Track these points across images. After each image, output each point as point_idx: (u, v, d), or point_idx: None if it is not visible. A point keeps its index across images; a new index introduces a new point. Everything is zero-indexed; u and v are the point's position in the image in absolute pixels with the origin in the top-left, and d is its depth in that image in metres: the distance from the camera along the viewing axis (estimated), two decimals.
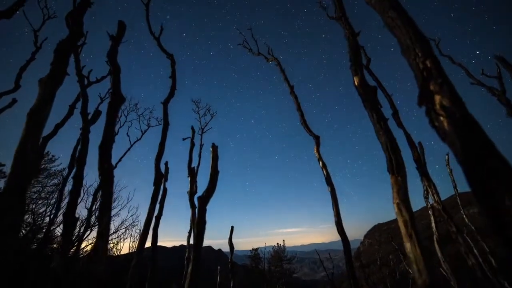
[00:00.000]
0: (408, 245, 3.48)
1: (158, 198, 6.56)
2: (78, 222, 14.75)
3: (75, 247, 12.66)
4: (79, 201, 15.64)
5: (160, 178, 6.61)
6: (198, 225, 3.45)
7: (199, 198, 3.60)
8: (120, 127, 15.53)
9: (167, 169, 8.66)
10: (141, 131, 15.33)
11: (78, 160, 5.87)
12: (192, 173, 7.97)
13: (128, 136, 15.18)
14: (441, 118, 2.09)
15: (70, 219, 4.70)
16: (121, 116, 15.46)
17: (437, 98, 2.18)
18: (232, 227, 10.62)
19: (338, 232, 6.75)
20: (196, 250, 3.27)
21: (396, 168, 3.83)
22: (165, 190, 8.13)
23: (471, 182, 1.75)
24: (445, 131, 2.05)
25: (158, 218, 7.54)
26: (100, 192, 13.88)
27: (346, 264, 6.25)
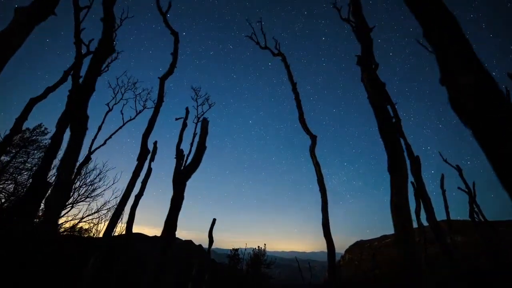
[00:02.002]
0: (402, 251, 3.20)
1: (139, 175, 6.20)
2: None
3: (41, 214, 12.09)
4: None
5: (145, 154, 6.25)
6: (174, 200, 3.12)
7: (181, 171, 3.28)
8: (116, 103, 15.09)
9: (155, 149, 8.29)
10: (136, 111, 14.87)
11: (59, 122, 5.48)
12: (180, 155, 7.60)
13: (122, 114, 14.72)
14: (465, 97, 1.82)
15: (39, 180, 4.30)
16: (117, 92, 15.04)
17: (463, 76, 1.91)
18: (214, 220, 10.28)
19: (324, 234, 6.45)
20: (168, 226, 2.95)
21: (397, 168, 3.57)
22: (149, 169, 7.76)
23: (498, 166, 1.47)
24: (469, 111, 1.77)
25: (138, 197, 7.16)
26: (81, 166, 13.22)
27: (328, 268, 5.95)
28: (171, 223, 3.05)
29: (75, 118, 2.73)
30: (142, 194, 7.29)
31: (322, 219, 6.64)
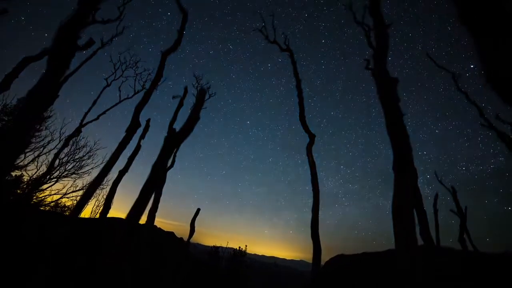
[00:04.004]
0: (403, 260, 2.88)
1: (126, 147, 5.83)
2: (39, 165, 13.60)
3: (27, 189, 11.60)
4: (53, 147, 14.40)
5: (135, 126, 5.90)
6: (154, 167, 2.79)
7: (166, 137, 2.98)
8: (114, 80, 14.70)
9: (147, 126, 7.92)
10: (134, 90, 14.47)
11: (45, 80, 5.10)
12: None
13: (120, 91, 14.33)
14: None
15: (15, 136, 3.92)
16: (118, 68, 14.63)
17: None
18: (198, 209, 9.94)
19: (312, 235, 6.15)
20: (143, 194, 2.62)
21: (404, 166, 3.28)
22: (139, 146, 7.40)
23: None
24: None
25: (122, 173, 6.79)
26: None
27: (312, 272, 5.65)
28: (148, 187, 2.72)
29: (56, 45, 2.39)
30: (126, 171, 6.92)
31: (312, 219, 6.33)
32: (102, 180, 5.42)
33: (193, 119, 3.13)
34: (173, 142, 3.03)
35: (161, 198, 8.05)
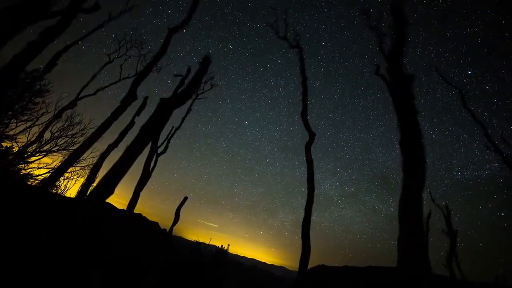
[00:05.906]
0: (406, 262, 2.63)
1: (117, 118, 5.52)
2: (30, 136, 13.10)
3: (11, 156, 11.13)
4: (46, 119, 13.89)
5: (131, 99, 5.59)
6: (144, 128, 2.51)
7: (161, 98, 2.69)
8: (117, 57, 14.33)
9: (144, 103, 7.62)
10: (136, 71, 14.10)
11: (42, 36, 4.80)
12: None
13: (121, 69, 13.97)
14: None
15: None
16: (122, 46, 14.26)
17: None
18: (186, 198, 9.63)
19: (302, 235, 5.88)
20: (126, 154, 2.33)
21: (412, 164, 3.03)
22: (132, 122, 7.08)
23: None
24: None
25: (111, 147, 6.47)
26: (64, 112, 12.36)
27: (298, 274, 5.38)
28: (130, 156, 2.43)
29: None
30: (116, 146, 6.60)
31: (304, 219, 6.07)
32: (88, 147, 5.10)
33: (194, 84, 2.85)
34: (168, 103, 2.75)
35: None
